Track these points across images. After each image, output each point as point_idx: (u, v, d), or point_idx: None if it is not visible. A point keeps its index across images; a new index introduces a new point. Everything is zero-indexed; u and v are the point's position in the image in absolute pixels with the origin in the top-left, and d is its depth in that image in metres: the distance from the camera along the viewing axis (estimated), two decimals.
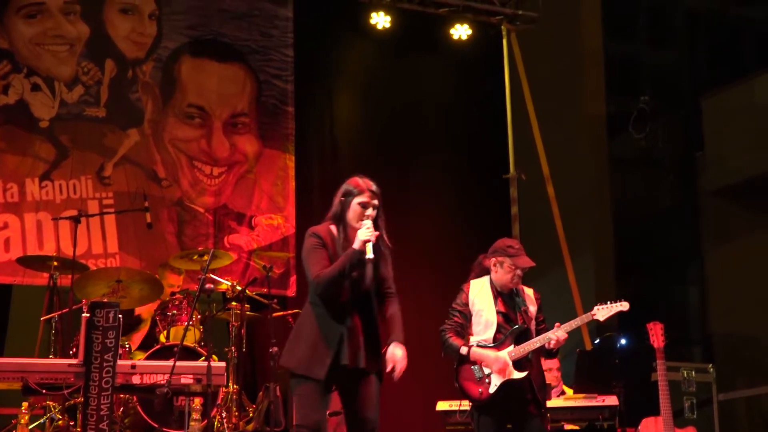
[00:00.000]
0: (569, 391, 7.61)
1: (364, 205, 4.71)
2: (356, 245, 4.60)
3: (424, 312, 8.39)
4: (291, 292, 9.03)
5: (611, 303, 5.60)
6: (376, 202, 4.74)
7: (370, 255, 4.58)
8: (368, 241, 4.59)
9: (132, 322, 7.35)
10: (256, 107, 9.44)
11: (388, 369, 4.66)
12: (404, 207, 9.42)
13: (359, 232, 4.62)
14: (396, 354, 4.66)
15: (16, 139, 8.54)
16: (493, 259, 5.63)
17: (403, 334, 4.74)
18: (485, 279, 5.68)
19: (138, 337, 7.45)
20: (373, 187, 4.76)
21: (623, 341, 8.20)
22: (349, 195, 4.75)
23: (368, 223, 4.66)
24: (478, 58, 10.22)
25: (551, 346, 5.47)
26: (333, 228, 4.76)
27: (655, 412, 6.66)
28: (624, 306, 5.58)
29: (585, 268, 9.87)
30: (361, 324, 4.68)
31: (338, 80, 9.90)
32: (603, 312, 5.58)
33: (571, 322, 5.58)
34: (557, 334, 5.45)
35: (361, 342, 4.65)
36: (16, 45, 8.66)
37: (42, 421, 6.28)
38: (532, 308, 5.66)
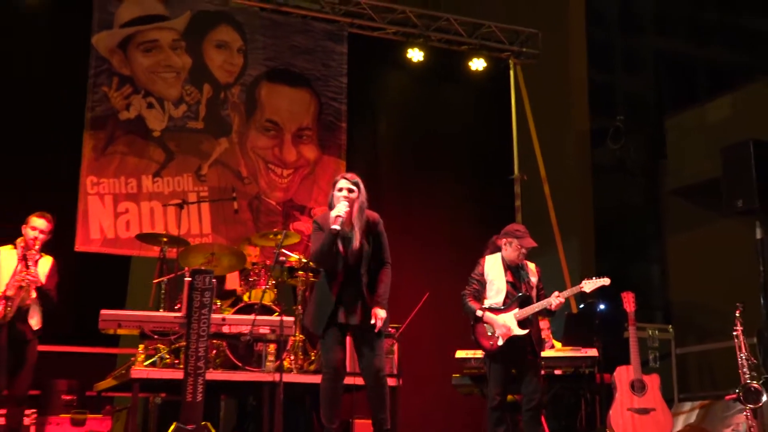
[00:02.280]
0: (558, 344, 7.55)
1: (339, 191, 4.68)
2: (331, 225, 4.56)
3: (446, 282, 8.37)
4: None
5: (596, 278, 5.53)
6: (349, 186, 4.67)
7: (335, 227, 4.52)
8: (337, 216, 4.55)
9: (222, 287, 7.33)
10: (317, 123, 9.35)
11: (372, 322, 4.59)
12: (431, 201, 9.44)
13: (332, 212, 4.60)
14: (377, 313, 4.60)
15: (135, 145, 8.53)
16: (504, 239, 5.62)
17: (385, 295, 4.65)
18: (497, 255, 5.65)
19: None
20: (347, 176, 4.73)
21: (602, 306, 8.11)
22: (333, 187, 4.75)
23: (342, 204, 4.60)
24: (491, 85, 10.09)
25: (553, 307, 5.45)
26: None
27: (626, 361, 6.58)
28: (606, 281, 5.51)
29: (572, 249, 9.80)
30: (354, 290, 4.63)
31: (381, 102, 9.79)
32: (589, 285, 5.52)
33: (566, 291, 5.53)
34: (559, 299, 5.43)
35: (354, 303, 4.61)
36: (136, 72, 8.66)
37: (154, 359, 6.30)
38: (534, 279, 5.62)
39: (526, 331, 5.45)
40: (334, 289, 4.62)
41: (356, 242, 4.60)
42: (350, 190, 4.67)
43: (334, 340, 4.62)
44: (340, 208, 4.59)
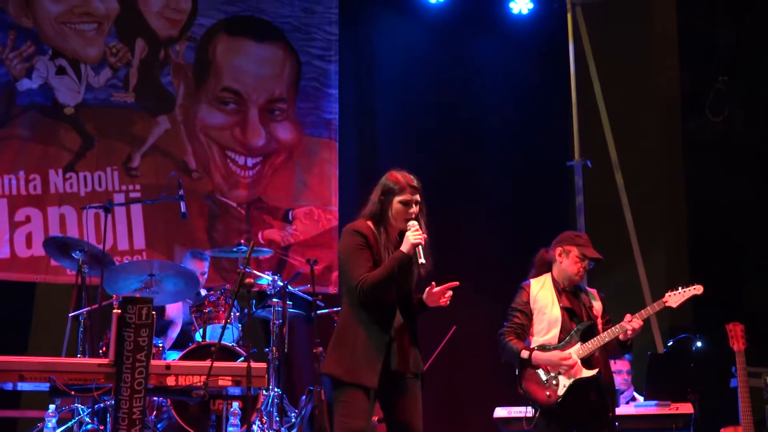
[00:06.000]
0: (640, 398, 7.58)
1: (405, 203, 4.72)
2: (405, 248, 4.63)
3: (479, 312, 8.44)
4: (333, 289, 9.01)
5: (683, 288, 5.59)
6: (417, 197, 4.75)
7: (422, 260, 4.62)
8: (419, 244, 4.63)
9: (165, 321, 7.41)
10: (295, 91, 9.43)
11: (437, 289, 4.72)
12: (452, 201, 9.35)
13: (408, 234, 4.65)
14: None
15: (39, 127, 8.61)
16: (559, 248, 5.69)
17: None
18: (546, 276, 5.73)
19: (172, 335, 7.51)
20: (414, 182, 4.78)
21: (699, 344, 8.12)
22: (389, 194, 4.75)
23: (415, 224, 4.68)
24: (540, 34, 10.16)
25: (628, 335, 5.49)
26: (372, 226, 4.76)
27: (735, 421, 6.62)
28: (698, 289, 5.58)
29: (656, 263, 9.70)
30: (406, 326, 4.73)
31: (386, 61, 9.85)
32: (675, 298, 5.59)
33: (643, 311, 5.57)
34: (632, 323, 5.46)
35: (407, 345, 4.71)
36: (40, 24, 8.70)
37: (70, 424, 6.33)
38: (597, 305, 5.69)
39: (595, 371, 5.49)
40: (387, 324, 4.69)
41: (415, 269, 4.75)
42: (417, 203, 4.77)
43: (369, 401, 4.63)
44: (417, 234, 4.67)
